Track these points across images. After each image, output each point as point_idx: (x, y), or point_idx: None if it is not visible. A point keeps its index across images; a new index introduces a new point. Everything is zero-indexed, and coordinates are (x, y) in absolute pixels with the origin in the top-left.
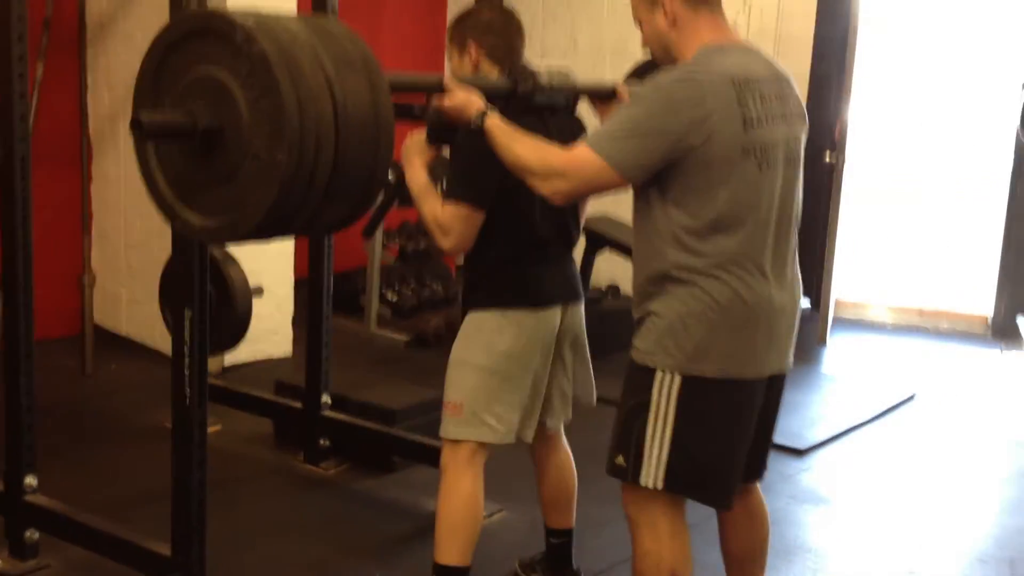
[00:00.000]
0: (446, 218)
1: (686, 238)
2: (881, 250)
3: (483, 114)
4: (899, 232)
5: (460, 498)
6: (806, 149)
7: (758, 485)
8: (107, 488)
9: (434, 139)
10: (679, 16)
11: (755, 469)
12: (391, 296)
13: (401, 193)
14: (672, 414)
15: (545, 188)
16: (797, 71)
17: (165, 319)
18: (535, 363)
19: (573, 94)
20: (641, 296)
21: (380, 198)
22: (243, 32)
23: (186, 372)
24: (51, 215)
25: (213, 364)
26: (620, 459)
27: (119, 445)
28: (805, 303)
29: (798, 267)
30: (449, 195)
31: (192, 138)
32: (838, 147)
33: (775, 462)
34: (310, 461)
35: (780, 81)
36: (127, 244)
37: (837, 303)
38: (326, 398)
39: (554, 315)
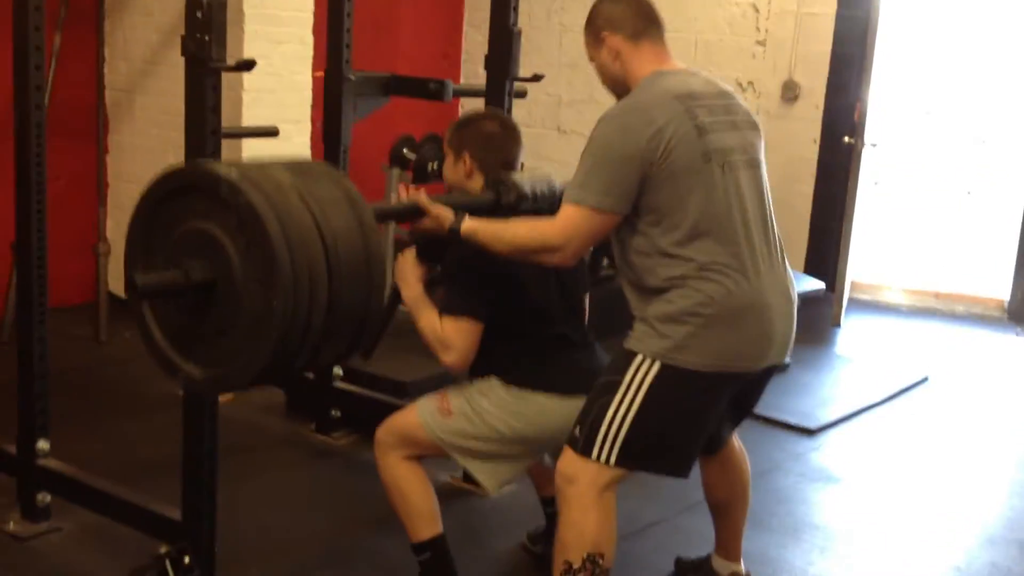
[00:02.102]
0: (446, 334)
1: (670, 249)
2: (898, 232)
3: (458, 221)
4: (917, 214)
5: (399, 478)
6: (824, 129)
7: (735, 437)
8: (119, 454)
9: (425, 257)
10: (621, 50)
11: (729, 431)
12: None
13: (396, 306)
14: (640, 397)
15: (552, 259)
16: (818, 51)
17: None
18: (533, 447)
19: (557, 198)
20: (637, 309)
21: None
22: (228, 185)
23: None
24: (67, 185)
25: None
26: (576, 429)
27: (132, 412)
28: (820, 284)
29: (788, 265)
30: (446, 310)
31: (186, 294)
32: (857, 129)
33: (786, 441)
34: (321, 431)
35: (724, 96)
36: None
37: (852, 285)
38: (338, 369)
39: (575, 404)
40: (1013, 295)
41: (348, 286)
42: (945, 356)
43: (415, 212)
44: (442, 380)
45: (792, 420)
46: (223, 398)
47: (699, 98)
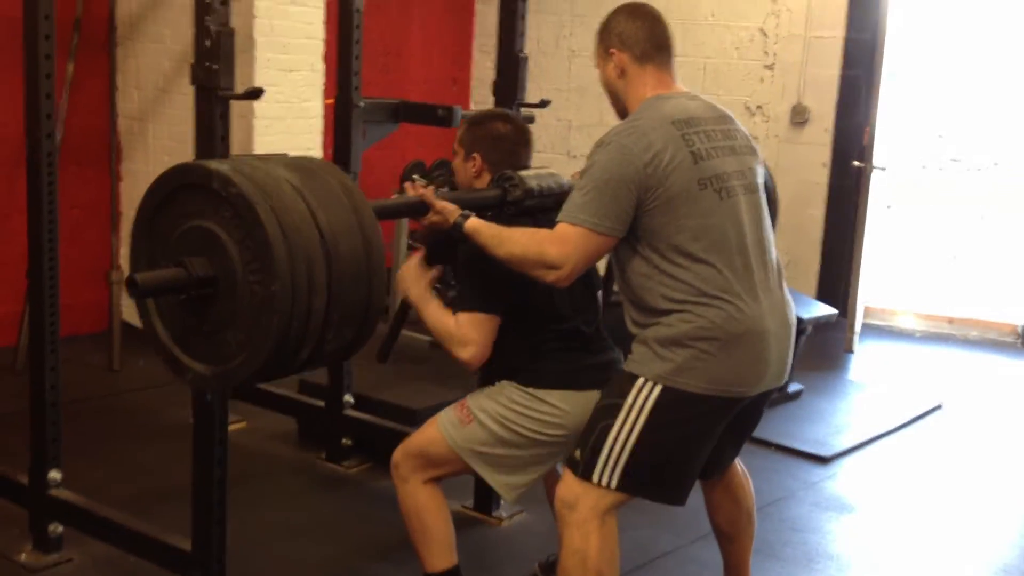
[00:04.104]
0: (462, 330)
1: (670, 271)
2: (911, 257)
3: (462, 218)
4: (930, 239)
5: (419, 506)
6: (834, 153)
7: (737, 461)
8: (131, 483)
9: (434, 259)
10: (627, 69)
11: (731, 457)
12: None
13: (406, 313)
14: (642, 420)
15: (548, 276)
16: (826, 75)
17: None
18: (550, 448)
19: (562, 194)
20: (636, 327)
21: (391, 321)
22: (219, 178)
23: None
24: (81, 213)
25: None
26: (577, 453)
27: (144, 441)
28: (832, 310)
29: (787, 289)
30: (461, 306)
31: (188, 290)
32: (866, 152)
33: (799, 469)
34: (332, 460)
35: (724, 120)
36: None
37: (865, 310)
38: (349, 397)
39: (584, 399)
40: None
41: (347, 268)
42: (959, 382)
43: (420, 208)
44: None
45: (805, 448)
46: (235, 425)
47: (696, 124)
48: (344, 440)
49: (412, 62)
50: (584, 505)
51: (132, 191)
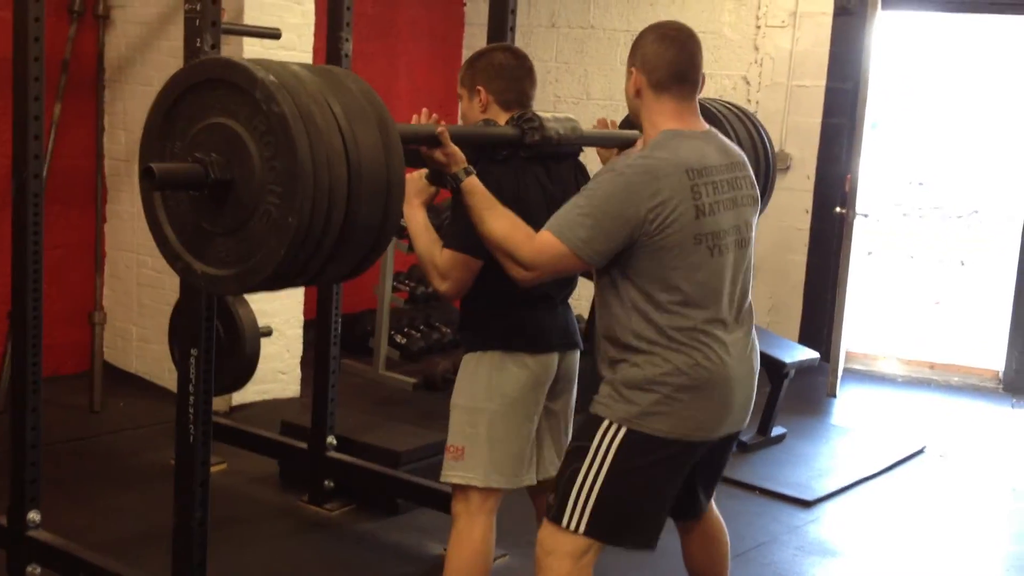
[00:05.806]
0: (444, 264)
1: (646, 311)
2: (892, 302)
3: (464, 173)
4: (911, 284)
5: (471, 547)
6: (816, 199)
7: (712, 505)
8: (111, 525)
9: (435, 180)
10: (643, 92)
11: (705, 499)
12: (400, 339)
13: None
14: (608, 463)
15: (513, 271)
16: (808, 123)
17: (174, 357)
18: (533, 406)
19: (579, 145)
20: (604, 358)
21: None
22: (264, 91)
23: (190, 411)
24: (65, 253)
25: (221, 403)
26: (551, 497)
27: (125, 482)
28: (815, 354)
29: (756, 338)
30: (448, 242)
31: (202, 188)
32: (848, 200)
33: (782, 513)
34: (314, 502)
35: (734, 168)
36: (139, 283)
37: (847, 355)
38: (331, 439)
39: (552, 361)
40: (1008, 366)
41: (365, 210)
42: (941, 427)
43: (430, 141)
44: (436, 448)
45: (788, 492)
46: (216, 467)
47: (708, 173)
48: (326, 482)
49: (400, 107)
50: (560, 550)
51: (117, 232)
